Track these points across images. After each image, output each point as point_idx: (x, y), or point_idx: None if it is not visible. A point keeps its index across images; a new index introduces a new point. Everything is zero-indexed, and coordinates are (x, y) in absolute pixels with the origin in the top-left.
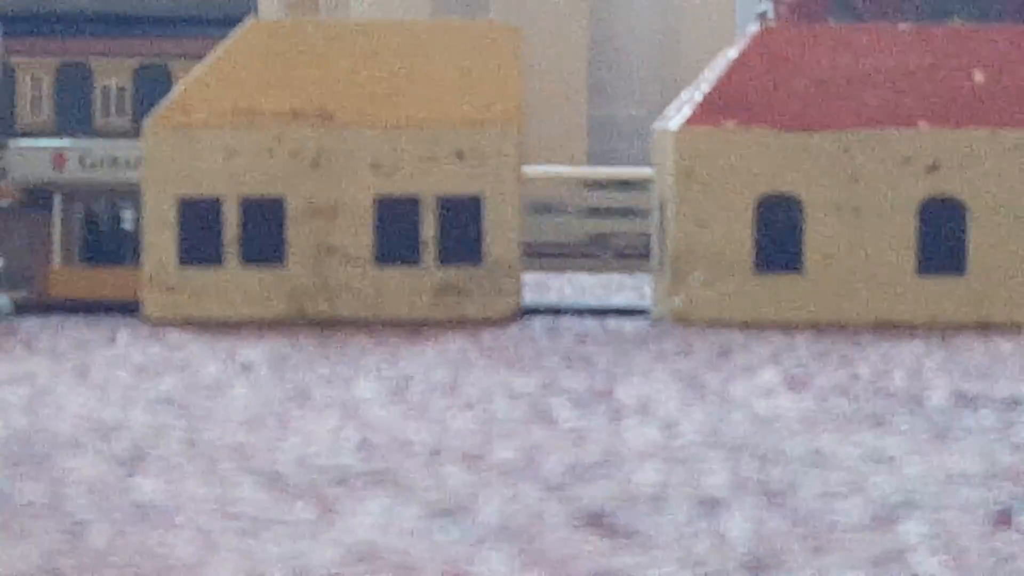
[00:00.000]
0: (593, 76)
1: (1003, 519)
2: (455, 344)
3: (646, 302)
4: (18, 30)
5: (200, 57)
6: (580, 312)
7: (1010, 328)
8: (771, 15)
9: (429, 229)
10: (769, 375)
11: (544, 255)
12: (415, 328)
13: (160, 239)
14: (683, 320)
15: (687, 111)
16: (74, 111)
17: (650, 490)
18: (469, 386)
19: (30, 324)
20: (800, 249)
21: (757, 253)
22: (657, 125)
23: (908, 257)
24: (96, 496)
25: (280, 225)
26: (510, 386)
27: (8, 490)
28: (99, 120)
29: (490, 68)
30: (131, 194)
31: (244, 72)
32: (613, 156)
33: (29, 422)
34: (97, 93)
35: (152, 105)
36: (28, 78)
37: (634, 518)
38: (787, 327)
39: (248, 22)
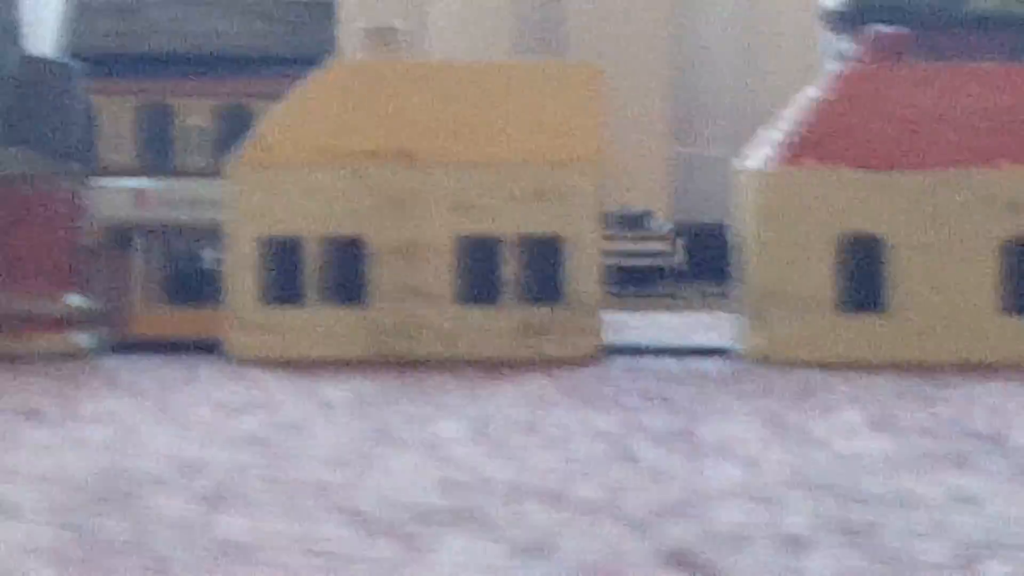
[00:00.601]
0: (674, 114)
1: None
2: (536, 383)
3: (728, 342)
4: (100, 70)
5: (280, 97)
6: (661, 351)
7: None
8: (853, 53)
9: (510, 268)
10: (851, 414)
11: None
12: (496, 367)
13: (242, 278)
14: (765, 360)
15: (768, 150)
16: (155, 150)
17: (732, 529)
18: (550, 425)
19: (113, 363)
20: (882, 288)
21: (839, 293)
22: (737, 164)
23: (991, 297)
24: (180, 533)
25: (361, 264)
26: (591, 425)
27: (93, 527)
28: (180, 159)
29: (571, 107)
30: (212, 233)
31: (325, 111)
32: (695, 195)
33: (113, 460)
34: (178, 132)
35: (233, 144)
36: (110, 118)
37: (716, 557)
38: (869, 367)
39: (329, 62)
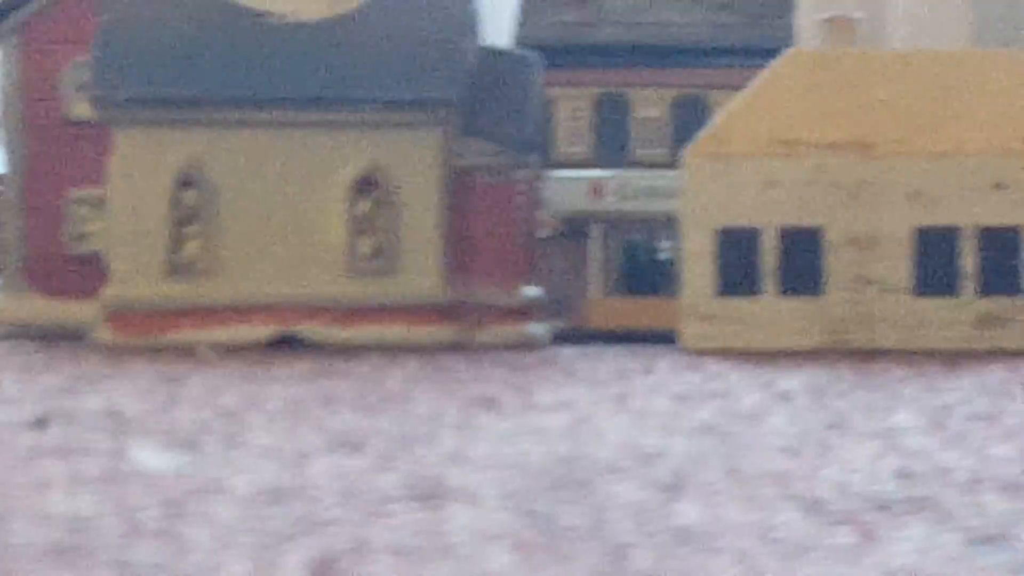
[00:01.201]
0: None
1: None
2: (994, 374)
3: None
4: (557, 62)
5: (737, 88)
6: None
7: None
8: None
9: (968, 260)
10: None
11: None
12: (952, 358)
13: (698, 269)
14: None
15: None
16: (611, 142)
17: None
18: (1009, 415)
19: (568, 352)
20: None
21: None
22: None
23: None
24: (638, 520)
25: (818, 255)
26: None
27: (551, 514)
28: (636, 151)
29: None
30: (668, 224)
31: (782, 102)
32: None
33: (570, 448)
34: (634, 124)
35: (688, 136)
36: (566, 110)
37: None
38: None
39: (787, 52)
